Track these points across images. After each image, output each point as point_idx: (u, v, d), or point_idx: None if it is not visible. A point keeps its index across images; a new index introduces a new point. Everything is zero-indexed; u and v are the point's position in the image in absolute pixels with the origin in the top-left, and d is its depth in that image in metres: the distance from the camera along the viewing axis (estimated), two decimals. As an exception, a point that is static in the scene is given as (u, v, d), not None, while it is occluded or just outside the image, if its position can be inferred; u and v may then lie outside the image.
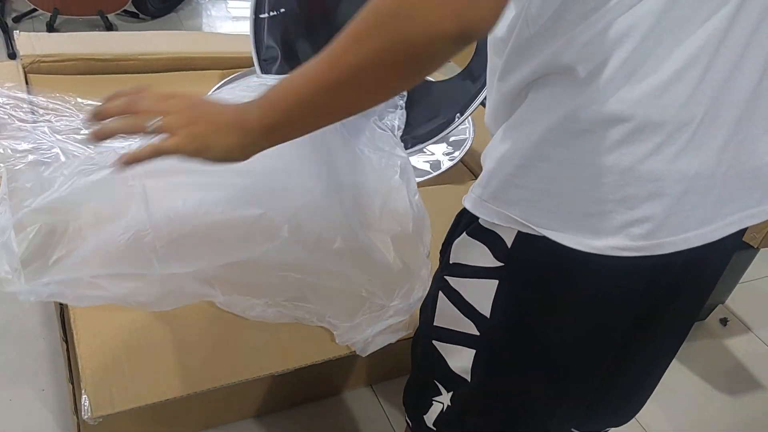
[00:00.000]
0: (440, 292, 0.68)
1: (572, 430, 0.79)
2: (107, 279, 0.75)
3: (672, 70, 0.49)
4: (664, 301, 0.63)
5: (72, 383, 1.05)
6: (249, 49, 1.25)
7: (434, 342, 0.70)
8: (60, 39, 1.36)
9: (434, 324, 0.70)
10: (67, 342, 0.99)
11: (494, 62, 0.59)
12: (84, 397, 0.71)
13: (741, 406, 1.52)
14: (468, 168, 1.19)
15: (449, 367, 0.69)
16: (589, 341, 0.62)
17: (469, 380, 0.67)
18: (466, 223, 0.64)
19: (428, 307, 0.71)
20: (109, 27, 2.66)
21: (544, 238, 0.55)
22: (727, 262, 0.67)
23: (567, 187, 0.54)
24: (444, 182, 1.13)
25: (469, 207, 0.61)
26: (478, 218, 0.61)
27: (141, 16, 2.87)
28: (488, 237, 0.61)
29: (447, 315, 0.68)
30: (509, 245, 0.59)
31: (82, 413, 0.70)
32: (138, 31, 1.43)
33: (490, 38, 0.58)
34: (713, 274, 0.67)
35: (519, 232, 0.57)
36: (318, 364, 0.83)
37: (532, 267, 0.59)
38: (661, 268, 0.57)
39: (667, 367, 0.77)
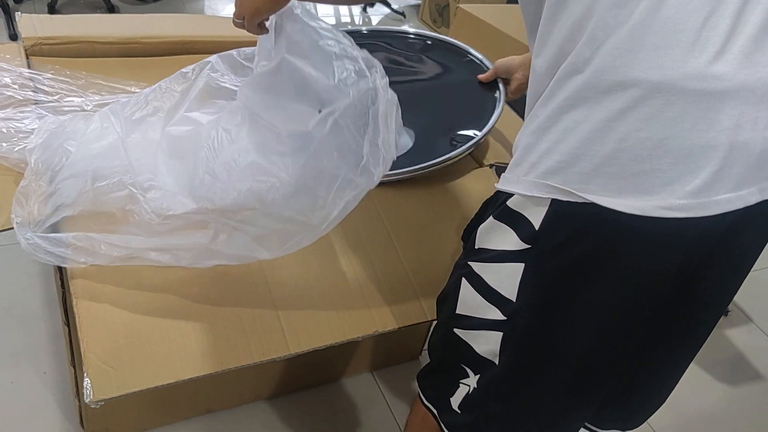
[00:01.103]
0: (463, 279, 0.68)
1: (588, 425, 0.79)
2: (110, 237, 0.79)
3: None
4: (695, 281, 0.62)
5: (74, 366, 1.05)
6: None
7: (456, 330, 0.70)
8: (62, 21, 1.34)
9: (456, 312, 0.69)
10: (68, 325, 0.99)
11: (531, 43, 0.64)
12: (86, 380, 0.71)
13: (741, 397, 1.52)
14: (474, 159, 1.18)
15: (476, 352, 0.69)
16: (620, 320, 0.62)
17: (497, 363, 0.67)
18: (492, 207, 0.64)
19: (449, 296, 0.71)
20: (111, 9, 2.64)
21: (582, 205, 0.55)
22: (763, 245, 0.65)
23: (606, 146, 0.54)
24: (448, 174, 1.12)
25: (503, 187, 0.62)
26: (505, 202, 0.61)
27: (144, -1, 2.85)
28: (515, 219, 0.61)
29: (470, 302, 0.68)
30: (536, 226, 0.59)
31: (84, 397, 0.70)
32: (140, 14, 1.42)
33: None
34: (748, 251, 0.66)
35: (550, 208, 0.57)
36: (320, 349, 0.83)
37: (564, 242, 0.58)
38: (700, 241, 0.57)
39: (687, 366, 0.75)
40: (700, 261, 0.60)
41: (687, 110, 0.52)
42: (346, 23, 3.39)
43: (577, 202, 0.56)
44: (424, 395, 0.81)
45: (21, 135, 0.96)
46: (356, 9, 3.49)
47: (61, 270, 0.93)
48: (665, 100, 0.52)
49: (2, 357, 1.31)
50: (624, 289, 0.59)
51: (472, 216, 0.82)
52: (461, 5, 1.98)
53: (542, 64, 0.60)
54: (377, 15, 3.45)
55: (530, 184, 0.58)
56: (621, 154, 0.54)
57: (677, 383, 0.77)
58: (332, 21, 3.39)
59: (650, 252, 0.57)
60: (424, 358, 1.47)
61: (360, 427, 1.32)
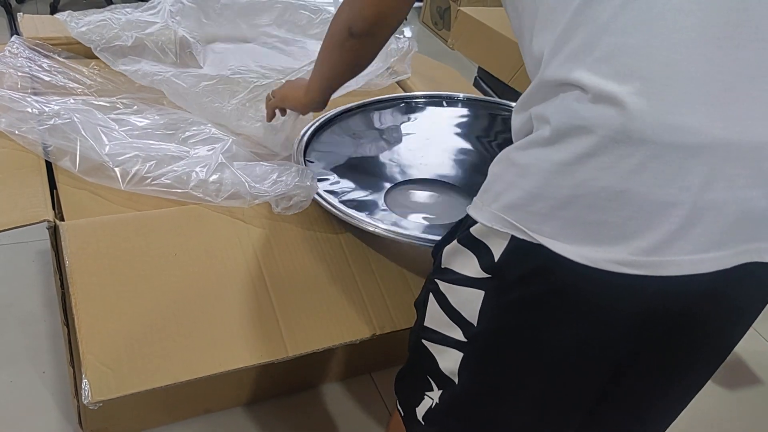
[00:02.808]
0: (431, 295, 0.67)
1: None
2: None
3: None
4: (676, 334, 0.59)
5: (73, 367, 1.05)
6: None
7: (424, 341, 0.70)
8: (62, 17, 1.34)
9: (424, 324, 0.69)
10: (68, 326, 0.99)
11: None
12: (84, 381, 0.71)
13: (740, 401, 1.52)
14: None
15: (439, 367, 0.68)
16: (575, 360, 0.60)
17: (456, 382, 0.67)
18: (461, 230, 0.63)
19: (420, 305, 0.71)
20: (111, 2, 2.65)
21: (539, 246, 0.54)
22: (764, 302, 0.62)
23: (562, 190, 0.52)
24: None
25: (470, 211, 0.61)
26: (470, 227, 0.60)
27: (145, -3, 2.86)
28: (477, 247, 0.60)
29: (436, 317, 0.67)
30: (496, 258, 0.58)
31: (82, 398, 0.70)
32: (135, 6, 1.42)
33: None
34: (746, 310, 0.62)
35: (510, 242, 0.56)
36: (319, 352, 0.83)
37: (521, 278, 0.57)
38: (670, 295, 0.54)
39: (680, 412, 0.73)
40: (678, 318, 0.58)
41: (648, 163, 0.49)
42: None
43: (531, 242, 0.54)
44: (397, 398, 0.81)
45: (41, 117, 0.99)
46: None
47: (61, 270, 0.93)
48: (626, 150, 0.49)
49: (1, 356, 1.31)
50: (579, 331, 0.58)
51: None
52: (462, 8, 1.99)
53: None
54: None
55: (492, 215, 0.57)
56: (577, 200, 0.52)
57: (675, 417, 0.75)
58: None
59: (605, 300, 0.55)
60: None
61: (358, 428, 1.32)
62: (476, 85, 2.05)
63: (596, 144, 0.50)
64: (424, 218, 1.02)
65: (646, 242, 0.51)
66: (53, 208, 0.88)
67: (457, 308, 0.64)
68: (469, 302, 0.62)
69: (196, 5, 1.28)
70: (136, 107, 1.12)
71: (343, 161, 1.11)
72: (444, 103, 1.29)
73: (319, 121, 1.14)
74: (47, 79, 1.14)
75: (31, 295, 1.43)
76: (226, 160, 0.97)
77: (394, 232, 0.89)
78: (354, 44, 0.78)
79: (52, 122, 0.98)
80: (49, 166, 0.95)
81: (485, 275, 0.60)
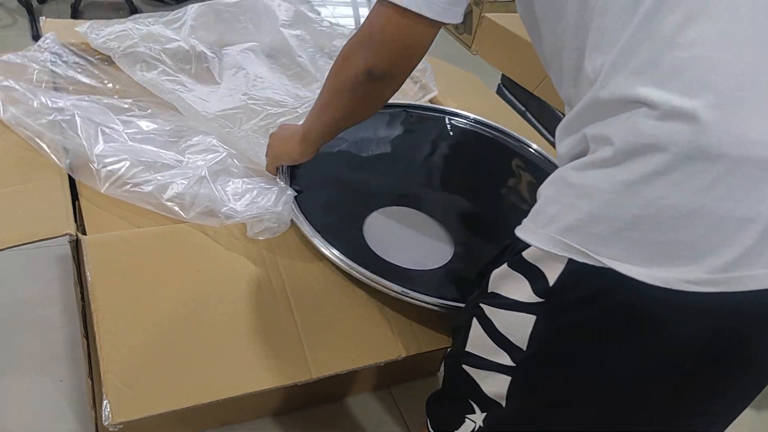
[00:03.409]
0: (474, 319, 0.66)
1: None
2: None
3: None
4: (743, 349, 0.57)
5: (92, 379, 1.04)
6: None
7: (465, 366, 0.68)
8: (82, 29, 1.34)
9: (466, 349, 0.67)
10: (87, 338, 0.98)
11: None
12: (105, 402, 0.70)
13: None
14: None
15: (483, 391, 0.67)
16: (636, 384, 0.58)
17: (503, 405, 0.65)
18: (509, 253, 0.61)
19: (461, 330, 0.69)
20: (134, 11, 2.64)
21: (601, 268, 0.52)
22: None
23: (628, 211, 0.51)
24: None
25: (521, 234, 0.59)
26: (522, 251, 0.59)
27: (166, 0, 2.86)
28: (530, 271, 0.58)
29: (479, 343, 0.65)
30: (551, 282, 0.56)
31: (103, 419, 0.69)
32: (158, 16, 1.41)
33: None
34: None
35: (567, 265, 0.54)
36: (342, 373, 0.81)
37: (578, 302, 0.55)
38: (743, 311, 0.52)
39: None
40: (746, 330, 0.55)
41: (723, 178, 0.48)
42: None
43: (593, 265, 0.53)
44: (430, 423, 0.79)
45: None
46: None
47: (82, 283, 0.92)
48: (700, 166, 0.48)
49: (19, 363, 1.30)
50: (643, 351, 0.56)
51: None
52: (487, 14, 1.96)
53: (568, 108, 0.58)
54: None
55: (547, 238, 0.55)
56: (645, 220, 0.50)
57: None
58: (352, 24, 3.38)
59: (675, 320, 0.53)
60: (442, 376, 1.44)
61: (376, 443, 1.31)
62: (499, 92, 2.02)
63: (668, 162, 0.49)
64: (400, 257, 0.97)
65: (722, 260, 0.50)
66: (75, 221, 0.87)
67: (504, 333, 0.62)
68: (519, 327, 0.60)
69: (219, 19, 1.26)
70: (150, 111, 1.11)
71: (331, 175, 1.06)
72: (447, 121, 1.23)
73: None
74: (69, 75, 1.13)
75: (49, 301, 1.43)
76: (216, 174, 0.95)
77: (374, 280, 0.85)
78: (372, 87, 0.72)
79: (51, 117, 0.97)
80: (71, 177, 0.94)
81: (538, 300, 0.58)
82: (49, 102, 1.00)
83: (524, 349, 0.60)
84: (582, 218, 0.53)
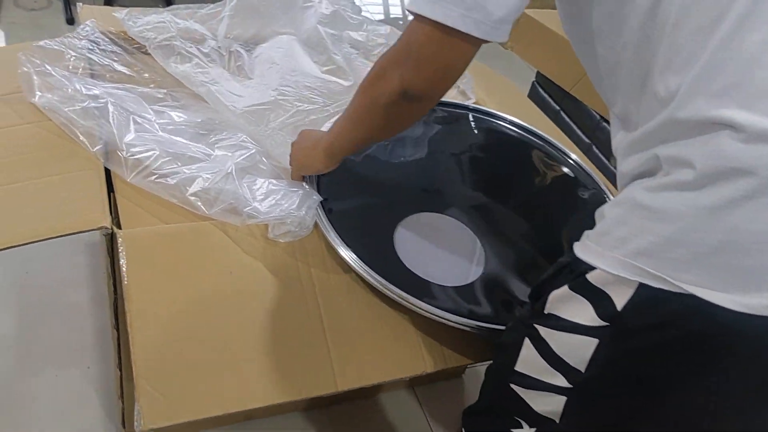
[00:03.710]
0: (527, 339, 0.64)
1: None
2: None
3: None
4: None
5: (120, 370, 1.04)
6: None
7: (513, 386, 0.66)
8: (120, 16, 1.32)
9: (515, 368, 0.65)
10: (118, 330, 0.98)
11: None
12: (137, 408, 0.69)
13: None
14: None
15: (533, 410, 0.65)
16: (706, 408, 0.56)
17: (557, 421, 0.63)
18: (569, 274, 0.59)
19: (508, 349, 0.66)
20: (169, 1, 2.64)
21: (675, 294, 0.50)
22: None
23: (711, 236, 0.49)
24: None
25: (583, 256, 0.57)
26: (585, 274, 0.56)
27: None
28: (594, 294, 0.56)
29: (531, 363, 0.63)
30: (619, 307, 0.54)
31: (135, 425, 0.68)
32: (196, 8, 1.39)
33: None
34: None
35: (638, 290, 0.52)
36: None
37: (648, 327, 0.54)
38: None
39: None
40: None
41: None
42: (396, 18, 3.33)
43: (670, 291, 0.51)
44: None
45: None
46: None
47: (114, 275, 0.91)
48: None
49: (49, 349, 1.31)
50: (716, 377, 0.54)
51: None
52: (525, 10, 1.91)
53: (635, 126, 0.55)
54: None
55: (617, 261, 0.53)
56: (729, 245, 0.48)
57: None
58: (380, 15, 3.34)
59: (754, 347, 0.51)
60: (468, 377, 1.43)
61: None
62: (533, 91, 1.98)
63: (756, 186, 0.47)
64: (431, 271, 0.94)
65: None
66: (110, 213, 0.86)
67: (560, 355, 0.60)
68: (578, 349, 0.58)
69: (256, 14, 1.24)
70: (183, 102, 1.10)
71: (359, 179, 1.03)
72: (484, 125, 1.17)
73: None
74: (106, 63, 1.12)
75: (78, 288, 1.43)
76: (242, 170, 0.93)
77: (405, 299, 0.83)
78: (406, 107, 0.68)
79: (85, 104, 0.97)
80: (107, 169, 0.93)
81: (602, 323, 0.56)
82: (83, 89, 1.00)
83: (582, 371, 0.59)
84: (658, 242, 0.51)
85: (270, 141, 1.03)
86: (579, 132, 1.75)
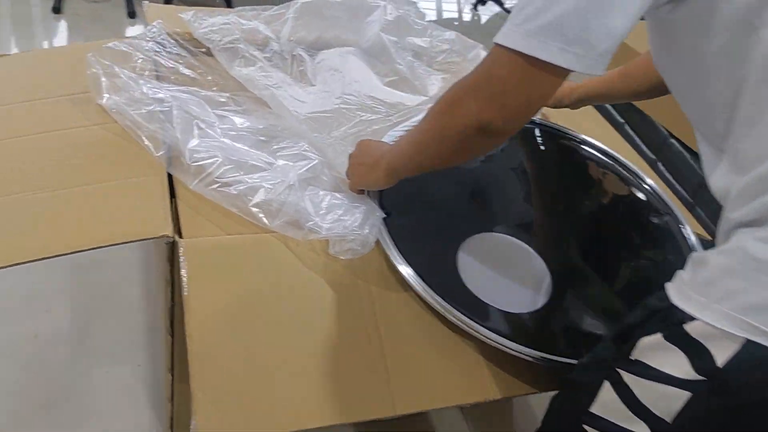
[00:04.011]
0: (606, 382, 0.60)
1: None
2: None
3: None
4: None
5: (172, 374, 1.04)
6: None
7: (586, 427, 0.63)
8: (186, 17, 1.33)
9: (590, 410, 0.62)
10: (173, 337, 0.97)
11: None
12: (193, 422, 0.68)
13: None
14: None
15: None
16: None
17: None
18: (662, 321, 0.55)
19: (582, 388, 0.63)
20: (229, 1, 2.67)
21: None
22: None
23: None
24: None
25: (682, 305, 0.53)
26: (682, 324, 0.53)
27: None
28: (692, 347, 0.52)
29: (610, 407, 0.60)
30: (719, 362, 0.50)
31: (191, 439, 0.67)
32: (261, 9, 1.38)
33: None
34: None
35: (745, 347, 0.49)
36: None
37: (750, 385, 0.50)
38: None
39: None
40: None
41: None
42: (451, 19, 3.29)
43: None
44: None
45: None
46: (465, 6, 3.38)
47: (173, 282, 0.91)
48: None
49: (101, 346, 1.32)
50: None
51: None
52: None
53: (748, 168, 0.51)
54: (488, 14, 3.32)
55: (723, 315, 0.50)
56: None
57: None
58: (433, 16, 3.30)
59: None
60: (517, 400, 1.39)
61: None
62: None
63: None
64: (495, 295, 0.90)
65: None
66: (172, 220, 0.85)
67: (645, 404, 0.57)
68: (666, 400, 0.55)
69: (321, 18, 1.23)
70: (245, 107, 1.09)
71: (423, 194, 0.99)
72: (555, 143, 1.12)
73: None
74: (171, 65, 1.12)
75: (132, 284, 1.44)
76: (305, 182, 0.91)
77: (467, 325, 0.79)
78: (480, 140, 0.65)
79: (151, 107, 0.97)
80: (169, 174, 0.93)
81: (697, 377, 0.53)
82: (149, 92, 0.99)
83: (669, 422, 0.55)
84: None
85: (332, 150, 1.01)
86: (644, 147, 1.68)
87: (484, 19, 3.28)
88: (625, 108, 1.77)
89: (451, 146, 0.68)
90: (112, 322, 1.37)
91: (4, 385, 1.21)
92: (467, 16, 3.31)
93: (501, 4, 3.21)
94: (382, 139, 0.98)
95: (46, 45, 2.45)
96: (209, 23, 1.16)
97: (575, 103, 1.06)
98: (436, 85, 1.23)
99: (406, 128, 1.02)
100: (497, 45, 0.58)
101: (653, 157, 1.65)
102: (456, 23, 3.23)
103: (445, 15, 3.27)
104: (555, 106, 1.08)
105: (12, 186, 0.87)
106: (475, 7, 3.28)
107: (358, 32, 1.25)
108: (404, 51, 1.25)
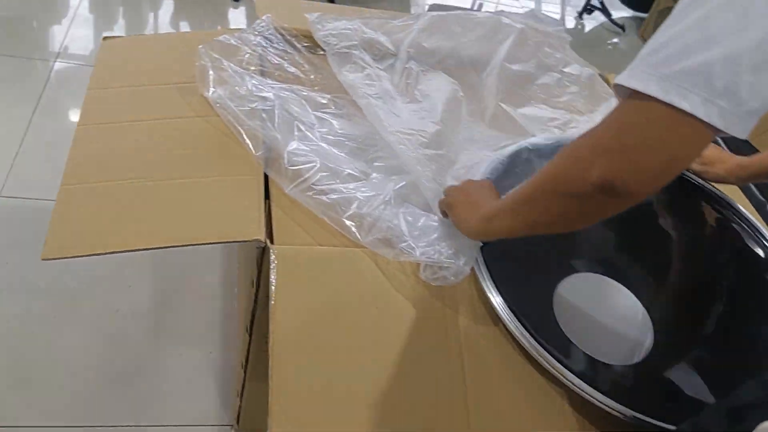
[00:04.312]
0: None
1: None
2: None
3: None
4: None
5: (244, 371, 1.03)
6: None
7: None
8: (296, 11, 1.32)
9: None
10: (251, 336, 0.97)
11: None
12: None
13: None
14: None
15: None
16: None
17: None
18: None
19: None
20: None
21: None
22: None
23: None
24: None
25: None
26: None
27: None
28: None
29: None
30: None
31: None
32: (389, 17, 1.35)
33: None
34: None
35: None
36: None
37: None
38: None
39: None
40: None
41: None
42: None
43: None
44: None
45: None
46: (570, 12, 3.26)
47: (258, 286, 0.90)
48: None
49: (177, 327, 1.35)
50: None
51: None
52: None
53: None
54: (592, 23, 3.19)
55: None
56: None
57: None
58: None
59: None
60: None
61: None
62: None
63: None
64: (592, 342, 0.83)
65: None
66: (265, 225, 0.84)
67: None
68: None
69: (447, 35, 1.18)
70: (345, 110, 1.07)
71: None
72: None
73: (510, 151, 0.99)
74: (276, 62, 1.12)
75: (210, 270, 1.47)
76: (401, 197, 0.88)
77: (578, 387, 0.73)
78: (603, 203, 0.55)
79: (254, 105, 0.96)
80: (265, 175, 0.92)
81: None
82: (254, 89, 0.99)
83: None
84: None
85: (420, 168, 0.97)
86: (754, 189, 1.56)
87: (588, 27, 3.16)
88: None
89: (562, 205, 0.59)
90: (190, 305, 1.39)
91: (84, 357, 1.25)
92: (570, 22, 3.19)
93: (608, 15, 3.08)
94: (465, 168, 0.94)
95: (151, 22, 2.53)
96: (332, 26, 1.14)
97: (745, 180, 0.97)
98: (545, 127, 1.16)
99: (499, 161, 0.97)
100: (625, 88, 0.51)
101: (762, 199, 1.52)
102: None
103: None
104: (719, 181, 0.99)
105: (114, 172, 0.89)
106: (580, 15, 3.16)
107: (481, 60, 1.19)
108: (522, 89, 1.18)
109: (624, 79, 0.51)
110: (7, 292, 1.34)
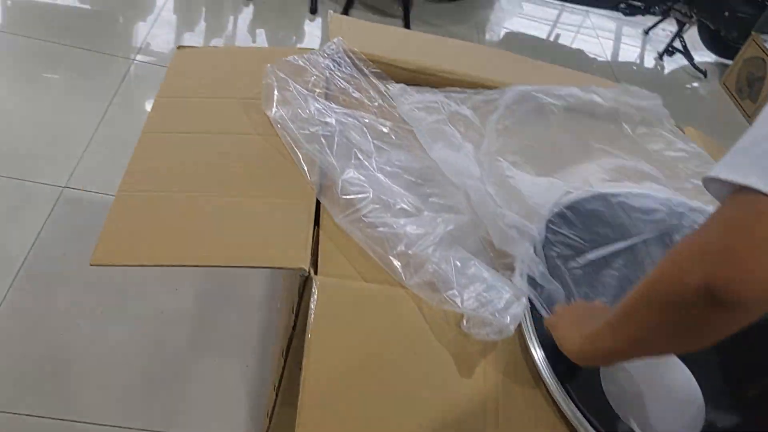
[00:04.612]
0: None
1: None
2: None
3: None
4: None
5: (276, 393, 1.02)
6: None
7: None
8: (367, 35, 1.31)
9: None
10: (285, 361, 0.95)
11: None
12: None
13: None
14: None
15: None
16: None
17: None
18: None
19: None
20: (407, 6, 2.67)
21: None
22: None
23: None
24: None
25: None
26: None
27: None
28: None
29: None
30: None
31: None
32: (440, 39, 1.33)
33: None
34: None
35: None
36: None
37: None
38: None
39: None
40: None
41: None
42: (629, 62, 3.08)
43: None
44: None
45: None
46: (651, 51, 3.16)
47: (297, 313, 0.88)
48: None
49: (216, 337, 1.35)
50: None
51: None
52: None
53: None
54: (673, 65, 3.08)
55: None
56: None
57: None
58: (608, 55, 3.11)
59: None
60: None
61: None
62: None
63: None
64: (640, 419, 0.78)
65: None
66: (312, 252, 0.83)
67: None
68: None
69: (534, 114, 1.15)
70: (405, 141, 1.05)
71: (582, 281, 0.88)
72: None
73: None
74: (342, 86, 1.11)
75: (256, 282, 1.47)
76: (452, 239, 0.85)
77: None
78: (705, 315, 0.48)
79: (315, 129, 0.95)
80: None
81: None
82: (316, 113, 0.98)
83: None
84: None
85: (480, 198, 0.94)
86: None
87: (668, 68, 3.05)
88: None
89: (665, 319, 0.52)
90: (232, 315, 1.40)
91: (123, 356, 1.27)
92: (649, 62, 3.09)
93: (690, 59, 2.96)
94: None
95: (230, 28, 2.59)
96: (415, 100, 1.12)
97: None
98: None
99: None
100: (722, 182, 0.46)
101: None
102: (635, 67, 3.03)
103: (622, 57, 3.07)
104: None
105: (170, 183, 0.89)
106: (660, 56, 3.06)
107: (572, 146, 1.14)
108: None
109: (723, 171, 0.46)
110: (59, 282, 1.37)
